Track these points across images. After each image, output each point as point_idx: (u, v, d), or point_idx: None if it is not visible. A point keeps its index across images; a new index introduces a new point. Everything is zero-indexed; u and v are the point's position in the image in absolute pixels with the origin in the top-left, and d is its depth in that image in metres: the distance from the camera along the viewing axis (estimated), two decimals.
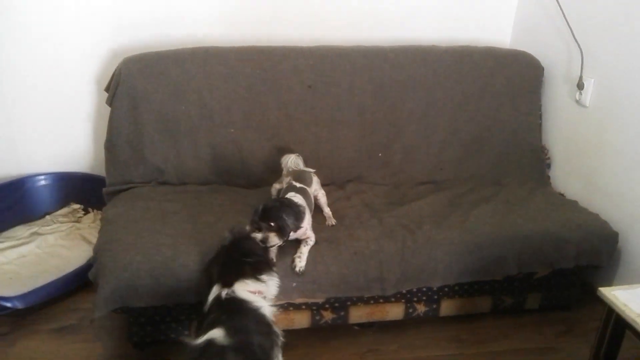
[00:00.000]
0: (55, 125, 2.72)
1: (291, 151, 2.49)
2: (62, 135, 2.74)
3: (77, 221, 2.76)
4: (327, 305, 2.17)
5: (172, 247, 1.99)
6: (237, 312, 1.65)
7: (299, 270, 2.00)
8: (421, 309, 2.28)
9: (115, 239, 2.04)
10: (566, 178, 2.67)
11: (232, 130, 2.55)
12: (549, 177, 2.75)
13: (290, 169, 2.41)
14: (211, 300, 1.71)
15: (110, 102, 2.46)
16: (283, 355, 1.74)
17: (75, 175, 2.75)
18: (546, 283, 2.33)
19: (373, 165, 2.67)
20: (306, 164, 2.54)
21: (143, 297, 1.91)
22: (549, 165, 2.76)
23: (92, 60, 2.66)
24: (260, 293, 1.75)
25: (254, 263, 1.77)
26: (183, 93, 2.49)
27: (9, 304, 2.15)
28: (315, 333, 2.26)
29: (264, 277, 1.77)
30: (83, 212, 2.81)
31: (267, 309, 1.74)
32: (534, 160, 2.74)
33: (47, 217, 2.72)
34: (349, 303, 2.18)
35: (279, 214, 1.90)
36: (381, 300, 2.20)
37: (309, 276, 2.02)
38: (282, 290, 2.00)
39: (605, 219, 2.31)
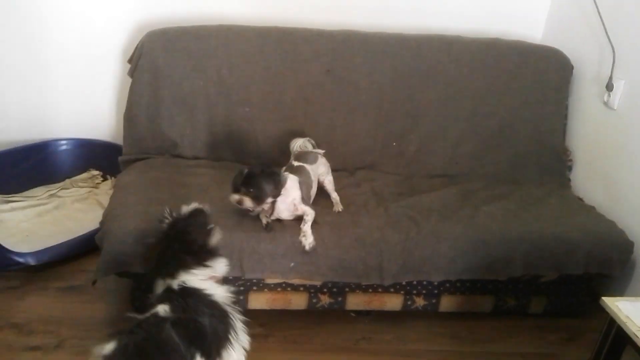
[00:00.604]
0: (81, 93, 2.81)
1: (302, 135, 2.49)
2: (87, 103, 2.83)
3: (95, 187, 2.85)
4: (325, 290, 2.18)
5: None
6: (188, 296, 1.64)
7: (309, 247, 2.01)
8: (420, 302, 2.25)
9: (124, 205, 2.09)
10: (587, 182, 2.57)
11: (248, 109, 2.56)
12: (569, 180, 2.65)
13: (296, 152, 2.41)
14: (162, 292, 1.68)
15: (132, 74, 2.52)
16: (277, 332, 1.72)
17: (96, 143, 2.84)
18: (553, 288, 2.26)
19: (386, 154, 2.64)
20: (319, 147, 2.54)
21: (142, 264, 1.95)
22: (570, 168, 2.66)
23: (118, 33, 2.72)
24: (212, 278, 1.75)
25: (196, 252, 1.73)
26: (203, 69, 2.53)
27: (21, 260, 2.24)
28: (312, 315, 2.27)
29: (209, 262, 1.74)
30: (102, 179, 2.90)
31: (221, 295, 1.72)
32: (555, 162, 2.65)
33: (67, 181, 2.82)
34: (347, 289, 2.18)
35: (258, 181, 1.96)
36: (380, 290, 2.19)
37: (308, 258, 2.02)
38: (280, 270, 2.04)
39: (623, 227, 2.21)
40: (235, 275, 2.03)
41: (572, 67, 2.64)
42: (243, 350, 1.73)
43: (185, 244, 1.72)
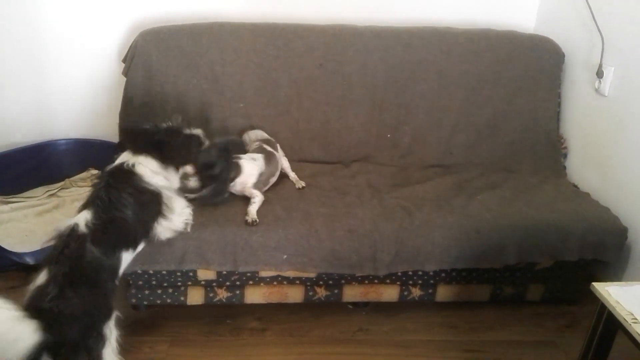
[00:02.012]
0: (78, 93, 2.83)
1: (252, 128, 2.57)
2: (84, 103, 2.85)
3: None
4: (321, 282, 2.19)
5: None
6: (120, 182, 1.82)
7: (251, 220, 2.04)
8: (416, 292, 2.26)
9: None
10: (582, 169, 2.57)
11: (242, 105, 2.58)
12: (564, 167, 2.65)
13: (257, 139, 2.48)
14: (115, 165, 1.90)
15: (126, 73, 2.54)
16: (274, 326, 1.74)
17: (94, 142, 2.85)
18: (549, 275, 2.26)
19: (381, 146, 2.65)
20: (314, 141, 2.60)
21: (137, 262, 1.97)
22: (565, 155, 2.66)
23: (113, 33, 2.74)
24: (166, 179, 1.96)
25: (169, 155, 1.98)
26: (196, 67, 2.54)
27: (21, 260, 2.25)
28: (309, 308, 2.29)
29: (170, 168, 1.99)
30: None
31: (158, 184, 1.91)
32: (550, 149, 2.64)
33: (67, 180, 2.84)
34: (342, 281, 2.19)
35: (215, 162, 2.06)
36: (375, 281, 2.20)
37: (301, 249, 2.04)
38: (273, 262, 2.06)
39: (617, 213, 2.21)
40: (229, 270, 2.06)
41: (563, 55, 2.64)
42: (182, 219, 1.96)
43: (168, 145, 1.97)
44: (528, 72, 2.64)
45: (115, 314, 1.68)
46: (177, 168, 2.03)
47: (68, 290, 1.53)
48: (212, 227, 2.02)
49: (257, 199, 2.14)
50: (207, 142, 2.12)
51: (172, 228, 1.93)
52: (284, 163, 2.45)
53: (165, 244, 1.97)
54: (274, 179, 2.33)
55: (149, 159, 1.93)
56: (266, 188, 2.27)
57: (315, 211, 2.13)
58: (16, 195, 2.71)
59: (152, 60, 2.51)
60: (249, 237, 2.00)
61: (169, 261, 2.01)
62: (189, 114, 2.56)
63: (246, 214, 2.07)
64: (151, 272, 2.08)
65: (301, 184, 2.37)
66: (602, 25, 2.38)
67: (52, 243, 1.66)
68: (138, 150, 1.94)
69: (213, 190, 2.07)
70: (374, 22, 2.67)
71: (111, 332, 1.64)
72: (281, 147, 2.50)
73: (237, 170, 2.15)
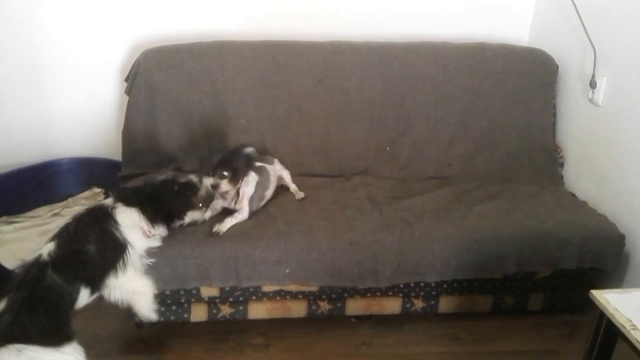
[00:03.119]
0: (81, 112, 2.87)
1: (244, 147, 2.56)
2: (87, 122, 2.89)
3: None
4: (323, 296, 2.21)
5: (168, 234, 2.04)
6: (92, 221, 1.84)
7: (216, 231, 2.06)
8: (419, 304, 2.27)
9: None
10: (578, 178, 2.60)
11: (243, 121, 2.62)
12: (562, 177, 2.68)
13: None
14: (97, 204, 1.93)
15: (129, 91, 2.58)
16: (278, 341, 1.80)
17: (97, 160, 2.88)
18: (550, 284, 2.28)
19: (381, 159, 2.69)
20: (315, 155, 2.66)
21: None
22: (562, 165, 2.69)
23: (115, 52, 2.79)
24: (145, 233, 1.94)
25: (154, 209, 1.95)
26: (198, 84, 2.59)
27: None
28: (312, 323, 2.30)
29: (152, 224, 1.95)
30: (104, 196, 2.93)
31: (130, 235, 1.89)
32: (547, 159, 2.68)
33: (70, 199, 2.87)
34: (345, 295, 2.21)
35: (233, 161, 2.09)
36: (378, 294, 2.22)
37: (303, 262, 2.06)
38: (275, 277, 2.08)
39: (615, 221, 2.24)
40: (232, 285, 2.08)
41: (557, 67, 2.69)
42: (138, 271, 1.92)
43: (156, 200, 1.95)
44: (523, 84, 2.68)
45: (76, 339, 1.68)
46: (170, 223, 2.03)
47: (24, 317, 1.57)
48: (213, 243, 2.04)
49: (240, 216, 2.16)
50: (203, 185, 2.10)
51: (118, 289, 1.88)
52: (285, 176, 2.47)
53: (166, 264, 1.99)
54: (269, 193, 2.34)
55: (133, 211, 1.92)
56: (261, 204, 2.29)
57: (316, 224, 2.16)
58: (20, 215, 2.74)
59: (154, 78, 2.56)
60: (250, 252, 2.03)
61: (172, 281, 2.04)
62: (191, 130, 2.60)
63: (218, 222, 2.10)
64: (155, 292, 2.08)
65: (300, 194, 2.40)
66: (594, 37, 2.43)
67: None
68: (127, 200, 1.94)
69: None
70: (371, 38, 2.72)
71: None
72: (282, 162, 2.52)
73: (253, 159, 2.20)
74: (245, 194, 2.19)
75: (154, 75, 2.56)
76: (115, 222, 1.86)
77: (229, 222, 2.11)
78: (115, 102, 2.87)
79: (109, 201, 1.92)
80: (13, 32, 2.69)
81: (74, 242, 1.78)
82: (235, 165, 2.09)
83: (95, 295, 1.85)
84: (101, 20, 2.74)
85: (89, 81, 2.83)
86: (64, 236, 1.78)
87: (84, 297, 1.79)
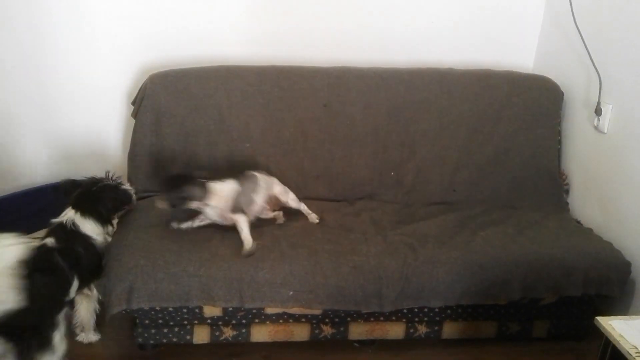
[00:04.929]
0: (88, 135, 2.91)
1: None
2: (94, 144, 2.92)
3: None
4: (326, 320, 2.19)
5: (175, 253, 2.07)
6: (69, 233, 2.09)
7: (248, 251, 2.09)
8: (422, 330, 2.25)
9: (125, 243, 2.13)
10: (584, 205, 2.60)
11: (248, 145, 2.64)
12: (567, 204, 2.68)
13: None
14: (52, 226, 2.12)
15: (135, 114, 2.62)
16: None
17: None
18: (555, 310, 2.26)
19: (385, 184, 2.69)
20: (319, 179, 2.67)
21: (143, 299, 2.00)
22: (567, 191, 2.69)
23: (123, 76, 2.83)
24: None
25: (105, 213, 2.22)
26: (204, 109, 2.61)
27: None
28: (315, 347, 2.28)
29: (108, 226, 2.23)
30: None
31: (99, 240, 2.16)
32: (552, 186, 2.68)
33: None
34: (348, 319, 2.20)
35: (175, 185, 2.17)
36: (381, 318, 2.21)
37: (307, 285, 2.05)
38: (279, 299, 2.06)
39: (620, 248, 2.23)
40: (235, 306, 2.07)
41: (562, 94, 2.70)
42: None
43: (107, 202, 2.24)
44: (528, 110, 2.70)
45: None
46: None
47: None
48: (219, 263, 2.04)
49: (241, 223, 2.17)
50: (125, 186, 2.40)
51: None
52: (292, 203, 2.44)
53: (170, 280, 1.99)
54: (260, 199, 2.32)
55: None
56: (255, 208, 2.29)
57: (321, 248, 2.15)
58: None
59: (160, 102, 2.59)
60: (255, 273, 2.02)
61: (175, 298, 2.03)
62: (197, 154, 2.62)
63: (242, 247, 2.11)
64: (158, 308, 2.08)
65: (315, 219, 2.41)
66: (599, 64, 2.45)
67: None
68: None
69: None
70: (376, 64, 2.76)
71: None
72: (287, 186, 2.51)
73: (203, 190, 2.17)
74: (225, 209, 2.20)
75: (160, 99, 2.59)
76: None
77: (244, 235, 2.13)
78: (122, 126, 2.90)
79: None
80: (22, 55, 2.73)
81: (69, 242, 2.06)
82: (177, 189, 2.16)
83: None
84: (109, 45, 2.78)
85: (97, 104, 2.87)
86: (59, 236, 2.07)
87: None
